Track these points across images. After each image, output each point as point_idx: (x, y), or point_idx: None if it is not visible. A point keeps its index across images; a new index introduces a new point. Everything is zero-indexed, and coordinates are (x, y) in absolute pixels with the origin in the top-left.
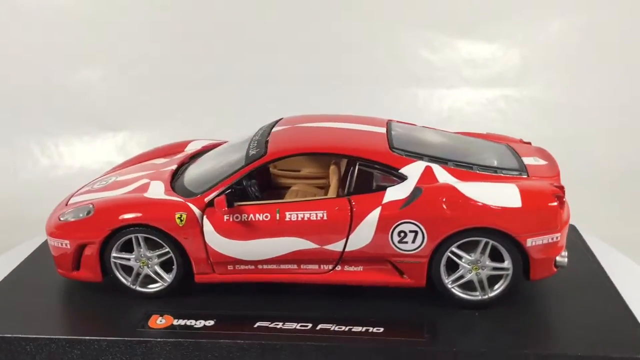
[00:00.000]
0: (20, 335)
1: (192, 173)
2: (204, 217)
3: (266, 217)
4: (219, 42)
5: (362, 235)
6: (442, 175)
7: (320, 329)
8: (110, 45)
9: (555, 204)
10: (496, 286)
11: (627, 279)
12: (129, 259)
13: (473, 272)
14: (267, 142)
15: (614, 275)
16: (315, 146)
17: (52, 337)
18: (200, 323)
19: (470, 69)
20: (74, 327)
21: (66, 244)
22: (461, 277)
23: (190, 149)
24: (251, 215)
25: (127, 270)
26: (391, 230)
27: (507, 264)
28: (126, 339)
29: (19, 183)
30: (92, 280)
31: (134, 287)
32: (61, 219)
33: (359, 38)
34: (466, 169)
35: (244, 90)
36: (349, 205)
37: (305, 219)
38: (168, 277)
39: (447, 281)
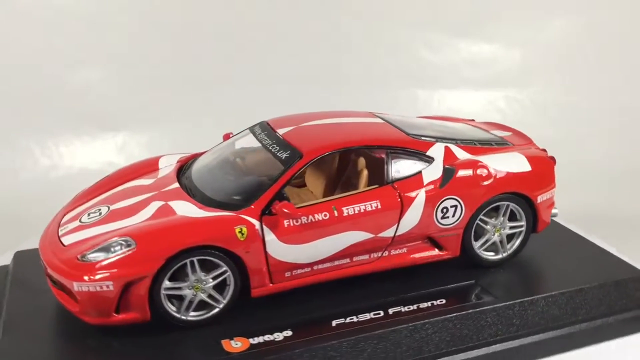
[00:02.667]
0: None
1: (214, 186)
2: (264, 226)
3: (325, 215)
4: (219, 42)
5: (412, 217)
6: (459, 153)
7: (393, 313)
8: (110, 46)
9: (552, 163)
10: (512, 243)
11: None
12: (181, 288)
13: (496, 234)
14: (289, 143)
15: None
16: (349, 141)
17: None
18: (278, 336)
19: (471, 69)
20: None
21: (108, 286)
22: (487, 240)
23: (163, 164)
24: (310, 216)
25: (174, 301)
26: (436, 207)
27: (522, 221)
28: None
29: (19, 183)
30: (138, 321)
31: (185, 317)
32: (85, 258)
33: (359, 38)
34: (471, 145)
35: (244, 90)
36: (396, 191)
37: (362, 210)
38: (223, 299)
39: (477, 246)
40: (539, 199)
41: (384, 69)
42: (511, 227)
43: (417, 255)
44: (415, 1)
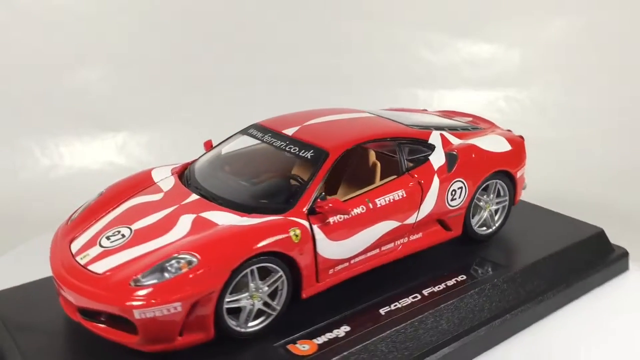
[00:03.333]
0: None
1: (235, 192)
2: (313, 226)
3: (362, 209)
4: (219, 43)
5: (429, 202)
6: (452, 139)
7: (428, 294)
8: (110, 45)
9: (523, 142)
10: (497, 217)
11: None
12: (239, 300)
13: (487, 210)
14: (307, 142)
15: None
16: (366, 135)
17: None
18: (339, 332)
19: (470, 69)
20: None
21: (176, 307)
22: (481, 217)
23: (157, 177)
24: (351, 211)
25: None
26: (447, 191)
27: (506, 196)
28: None
29: (19, 183)
30: (202, 342)
31: (244, 329)
32: (140, 283)
33: (359, 38)
34: (456, 131)
35: (244, 90)
36: (415, 179)
37: (391, 200)
38: (277, 305)
39: (474, 224)
40: (518, 174)
41: (384, 69)
42: (497, 203)
43: (432, 238)
44: (415, 1)
